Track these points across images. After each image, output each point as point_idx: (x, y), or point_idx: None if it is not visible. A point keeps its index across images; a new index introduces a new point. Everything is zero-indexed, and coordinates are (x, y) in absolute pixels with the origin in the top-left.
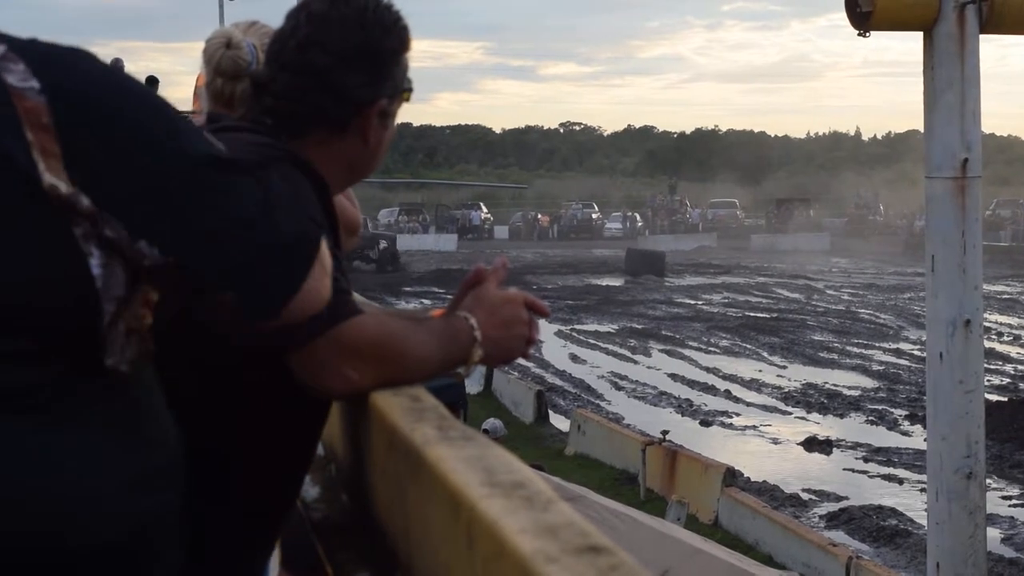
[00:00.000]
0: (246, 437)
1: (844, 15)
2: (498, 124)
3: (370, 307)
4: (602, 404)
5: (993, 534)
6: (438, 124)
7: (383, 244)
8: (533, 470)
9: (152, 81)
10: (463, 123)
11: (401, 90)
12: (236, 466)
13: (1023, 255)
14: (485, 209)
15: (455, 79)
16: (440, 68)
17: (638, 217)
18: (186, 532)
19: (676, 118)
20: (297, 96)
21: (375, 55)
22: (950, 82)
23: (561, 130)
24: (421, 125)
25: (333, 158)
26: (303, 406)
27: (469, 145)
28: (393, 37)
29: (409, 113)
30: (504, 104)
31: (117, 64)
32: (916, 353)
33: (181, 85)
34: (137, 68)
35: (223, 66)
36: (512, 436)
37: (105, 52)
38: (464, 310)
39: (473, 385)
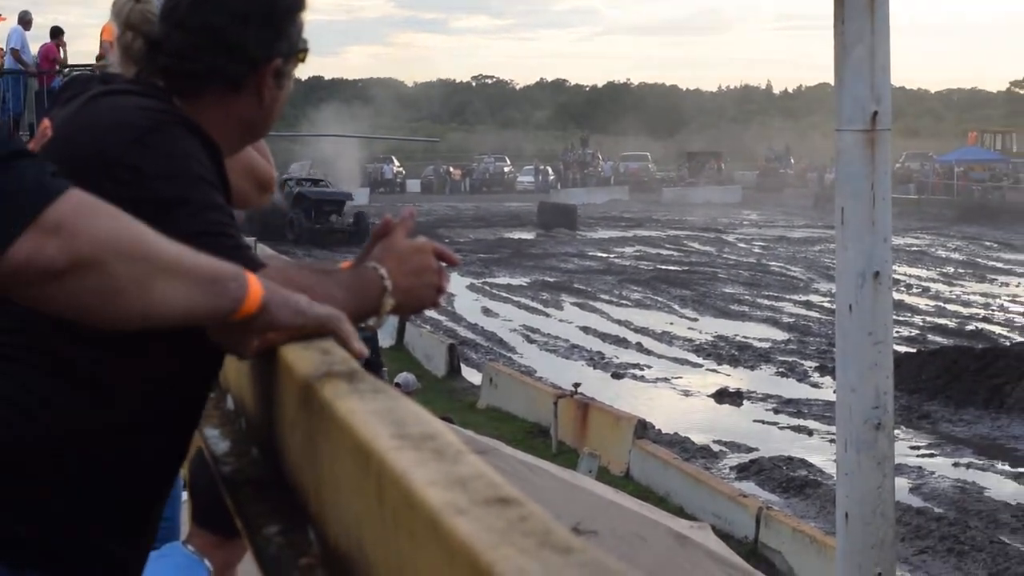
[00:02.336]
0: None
1: None
2: (410, 77)
3: (275, 260)
4: (514, 357)
5: (901, 484)
6: (350, 77)
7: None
8: (443, 423)
9: (57, 32)
10: (375, 76)
11: (297, 50)
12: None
13: (932, 207)
14: (397, 163)
15: (367, 32)
16: (351, 21)
17: (550, 170)
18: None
19: (588, 71)
20: (191, 55)
21: (270, 13)
22: (860, 35)
23: (473, 83)
24: (333, 78)
25: (228, 118)
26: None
27: (380, 98)
28: None
29: (320, 66)
30: (416, 57)
31: (25, 16)
32: (826, 305)
33: (88, 37)
34: (45, 20)
35: (132, 20)
36: (424, 390)
37: (12, 4)
38: (373, 261)
39: (385, 339)
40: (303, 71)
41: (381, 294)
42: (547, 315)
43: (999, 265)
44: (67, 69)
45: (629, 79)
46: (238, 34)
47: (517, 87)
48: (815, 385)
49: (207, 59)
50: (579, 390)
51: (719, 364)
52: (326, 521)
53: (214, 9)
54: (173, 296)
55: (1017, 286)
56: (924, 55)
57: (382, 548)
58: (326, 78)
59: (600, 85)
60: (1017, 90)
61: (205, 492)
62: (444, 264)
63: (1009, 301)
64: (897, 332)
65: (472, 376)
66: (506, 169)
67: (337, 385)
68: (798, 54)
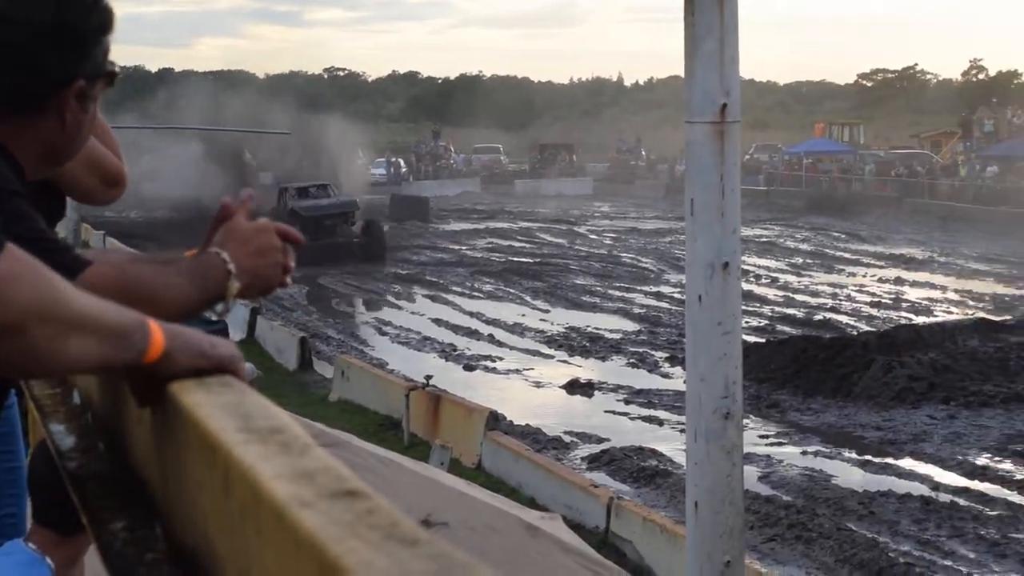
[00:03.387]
0: None
1: None
2: (262, 70)
3: (115, 255)
4: (366, 350)
5: (750, 472)
6: (200, 70)
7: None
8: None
9: None
10: (227, 68)
11: (102, 72)
12: None
13: (781, 199)
14: (249, 154)
15: (217, 24)
16: (201, 13)
17: (402, 163)
18: None
19: (441, 64)
20: None
21: (74, 33)
22: (710, 28)
23: (326, 75)
24: (184, 70)
25: (29, 140)
26: None
27: (232, 91)
28: (94, 16)
29: (171, 59)
30: (268, 49)
31: None
32: (676, 296)
33: None
34: None
35: None
36: (276, 383)
37: None
38: (215, 246)
39: (236, 332)
40: (154, 62)
41: (226, 278)
42: (399, 307)
43: (846, 256)
44: None
45: (481, 72)
46: (39, 54)
47: (369, 79)
48: (665, 375)
49: (5, 78)
50: (431, 382)
51: (571, 355)
52: (173, 516)
53: (14, 27)
54: (86, 351)
55: (864, 276)
56: (773, 48)
57: (229, 542)
58: (177, 70)
59: (452, 78)
60: (864, 82)
61: (44, 489)
62: (288, 243)
63: (856, 291)
64: (746, 322)
65: (324, 369)
66: (359, 161)
67: (182, 380)
68: (649, 47)
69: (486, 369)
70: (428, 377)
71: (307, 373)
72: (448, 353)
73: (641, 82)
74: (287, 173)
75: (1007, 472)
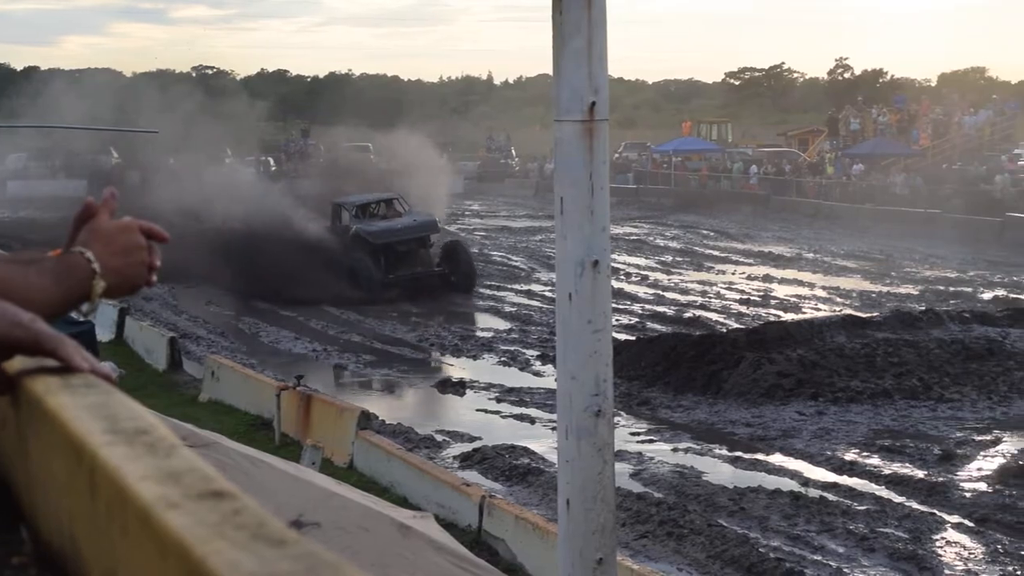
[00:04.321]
0: None
1: None
2: (129, 68)
3: None
4: (236, 350)
5: (622, 470)
6: (67, 68)
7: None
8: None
9: None
10: (93, 66)
11: None
12: None
13: (650, 197)
14: (116, 154)
15: (83, 22)
16: (66, 10)
17: (271, 161)
18: None
19: (309, 62)
20: None
21: None
22: (578, 26)
23: (193, 74)
24: (50, 68)
25: None
26: None
27: (98, 89)
28: None
29: (36, 56)
30: (135, 47)
31: None
32: (547, 294)
33: None
34: None
35: None
36: (144, 384)
37: None
38: (79, 245)
39: (104, 332)
40: (18, 60)
41: (90, 278)
42: (272, 308)
43: (716, 253)
44: None
45: (351, 70)
46: None
47: (238, 78)
48: (537, 374)
49: None
50: (302, 382)
51: (443, 354)
52: (39, 519)
53: None
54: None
55: (733, 274)
56: (642, 46)
57: (95, 544)
58: (42, 68)
59: (321, 76)
60: (732, 81)
61: None
62: (153, 241)
63: (725, 289)
64: (617, 320)
65: (194, 369)
66: (227, 160)
67: (47, 380)
68: (519, 45)
69: (357, 368)
70: (299, 377)
71: (177, 373)
72: (318, 352)
73: (511, 80)
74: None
75: (875, 467)
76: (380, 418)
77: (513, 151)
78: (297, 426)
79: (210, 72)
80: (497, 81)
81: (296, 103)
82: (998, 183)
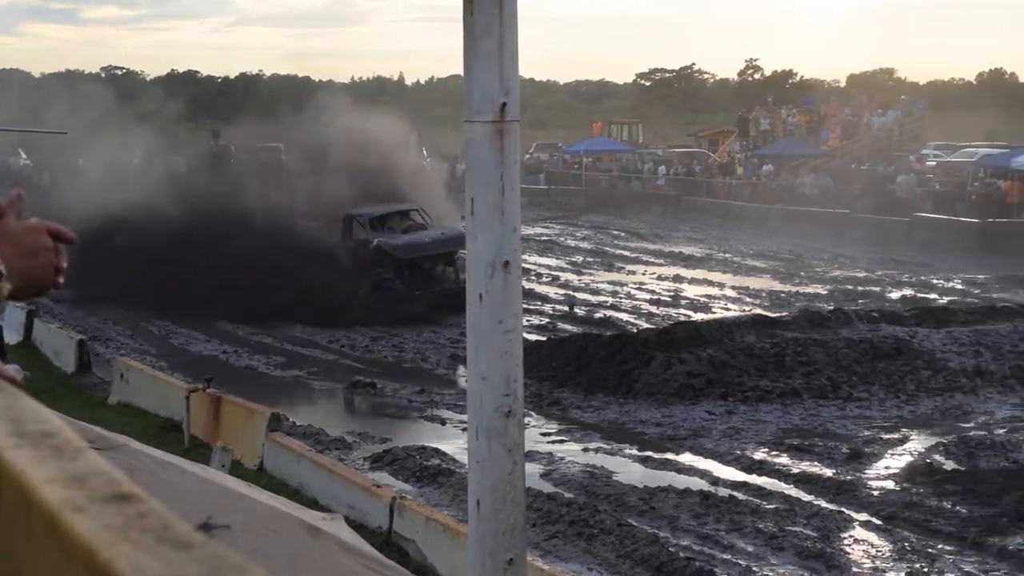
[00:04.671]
0: None
1: None
2: (38, 68)
3: None
4: (146, 352)
5: (533, 470)
6: None
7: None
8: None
9: None
10: (2, 67)
11: None
12: None
13: (561, 197)
14: (24, 155)
15: None
16: None
17: (181, 161)
18: None
19: (220, 63)
20: None
21: None
22: (488, 28)
23: (103, 74)
24: None
25: None
26: None
27: (6, 89)
28: None
29: None
30: (44, 48)
31: None
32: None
33: None
34: None
35: None
36: (52, 386)
37: None
38: None
39: (11, 335)
40: None
41: None
42: (181, 310)
43: (626, 254)
44: None
45: (261, 70)
46: None
47: (148, 79)
48: (447, 374)
49: None
50: (212, 384)
51: (353, 356)
52: None
53: None
54: None
55: (643, 274)
56: (554, 47)
57: None
58: None
59: (232, 76)
60: (643, 82)
61: None
62: (60, 242)
63: (636, 289)
64: (528, 320)
65: (104, 372)
66: (135, 162)
67: None
68: (430, 46)
69: (267, 370)
70: (208, 379)
71: (86, 376)
72: (228, 353)
73: (422, 81)
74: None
75: (784, 466)
76: (290, 420)
77: (424, 152)
78: (207, 428)
79: (120, 72)
80: (408, 82)
81: (207, 104)
82: (900, 184)
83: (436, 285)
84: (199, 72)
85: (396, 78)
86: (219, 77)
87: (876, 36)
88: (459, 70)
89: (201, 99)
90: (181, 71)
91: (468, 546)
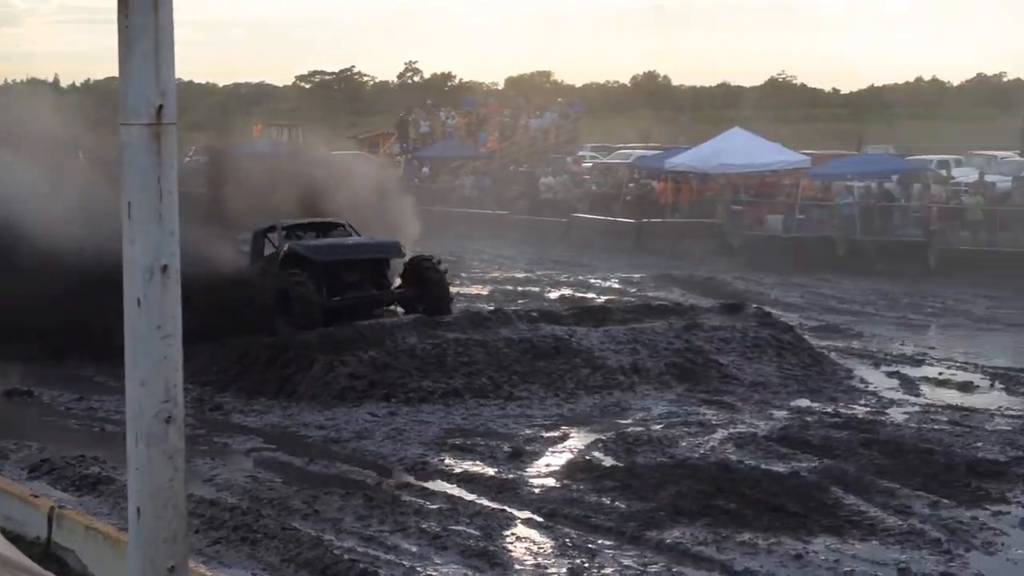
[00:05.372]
0: None
1: None
2: None
3: None
4: None
5: (194, 476)
6: None
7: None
8: None
9: None
10: None
11: None
12: None
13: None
14: None
15: None
16: None
17: None
18: None
19: None
20: None
21: None
22: (144, 29)
23: None
24: None
25: None
26: None
27: None
28: None
29: None
30: None
31: None
32: None
33: None
34: None
35: None
36: None
37: None
38: None
39: None
40: None
41: None
42: None
43: None
44: None
45: None
46: None
47: None
48: (106, 381)
49: None
50: None
51: (9, 361)
52: None
53: None
54: None
55: None
56: (213, 49)
57: None
58: None
59: None
60: (303, 84)
61: None
62: None
63: None
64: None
65: None
66: None
67: None
68: (87, 48)
69: None
70: None
71: None
72: None
73: (78, 83)
74: None
75: (447, 466)
76: None
77: (81, 155)
78: None
79: None
80: (64, 84)
81: None
82: (546, 185)
83: (360, 292)
84: None
85: (51, 80)
86: None
87: (533, 39)
88: (116, 72)
89: None
90: None
91: (128, 554)
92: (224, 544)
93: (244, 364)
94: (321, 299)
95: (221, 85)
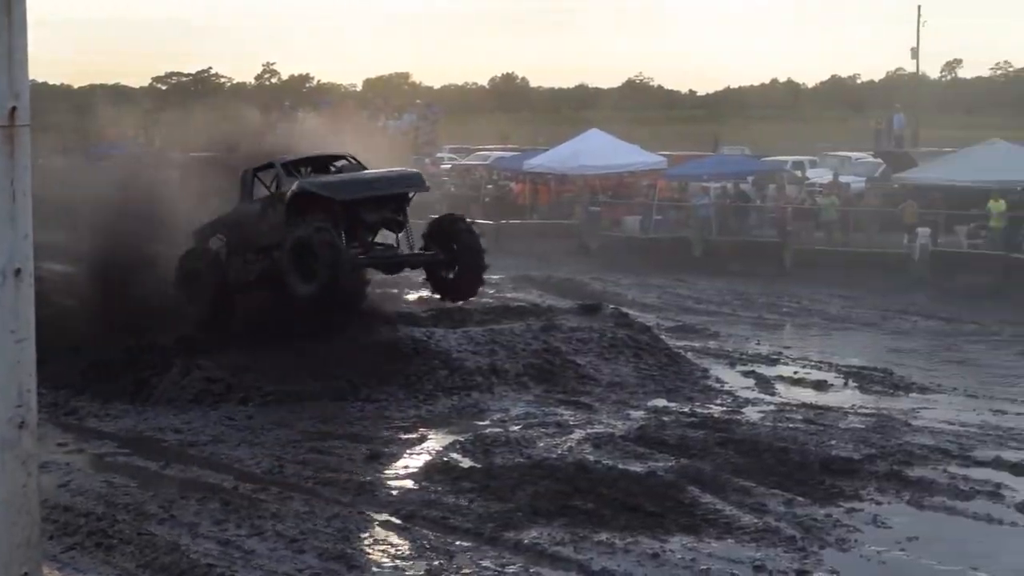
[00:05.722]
0: None
1: None
2: None
3: None
4: None
5: (49, 481)
6: None
7: None
8: None
9: None
10: None
11: None
12: None
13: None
14: None
15: None
16: None
17: None
18: None
19: None
20: None
21: None
22: None
23: None
24: None
25: None
26: None
27: None
28: None
29: None
30: None
31: None
32: None
33: None
34: None
35: None
36: None
37: None
38: None
39: None
40: None
41: None
42: None
43: None
44: None
45: None
46: None
47: None
48: None
49: None
50: None
51: None
52: None
53: None
54: None
55: None
56: (67, 50)
57: None
58: None
59: None
60: (159, 86)
61: None
62: None
63: None
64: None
65: None
66: None
67: None
68: None
69: None
70: None
71: None
72: None
73: None
74: None
75: (304, 468)
76: None
77: None
78: None
79: None
80: None
81: None
82: None
83: (389, 250)
84: None
85: None
86: None
87: (391, 41)
88: None
89: None
90: None
91: None
92: (79, 550)
93: (100, 368)
94: (349, 251)
95: (77, 87)
